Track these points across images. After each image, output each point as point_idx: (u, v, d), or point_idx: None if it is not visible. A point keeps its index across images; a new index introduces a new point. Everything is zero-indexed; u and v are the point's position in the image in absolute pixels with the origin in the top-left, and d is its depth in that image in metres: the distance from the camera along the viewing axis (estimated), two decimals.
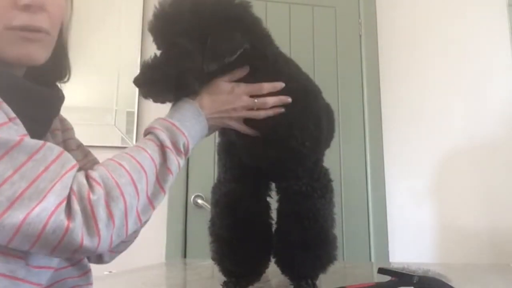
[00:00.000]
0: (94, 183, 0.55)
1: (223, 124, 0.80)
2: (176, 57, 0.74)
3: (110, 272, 1.28)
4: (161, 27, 0.76)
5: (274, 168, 0.88)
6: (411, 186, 2.06)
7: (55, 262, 0.62)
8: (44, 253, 0.53)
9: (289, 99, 0.81)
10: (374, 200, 2.04)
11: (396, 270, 0.76)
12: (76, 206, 0.52)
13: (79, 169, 0.57)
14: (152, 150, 0.64)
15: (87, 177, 0.56)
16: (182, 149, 0.68)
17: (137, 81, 0.76)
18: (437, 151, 2.09)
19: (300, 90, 0.85)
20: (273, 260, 0.92)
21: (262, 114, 0.80)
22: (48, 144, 0.55)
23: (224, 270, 0.93)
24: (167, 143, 0.66)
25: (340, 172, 2.03)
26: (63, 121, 0.80)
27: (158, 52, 0.78)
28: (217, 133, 0.92)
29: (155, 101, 0.77)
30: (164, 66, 0.75)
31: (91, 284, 0.74)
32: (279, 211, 0.90)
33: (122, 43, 2.05)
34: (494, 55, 2.18)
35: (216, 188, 0.94)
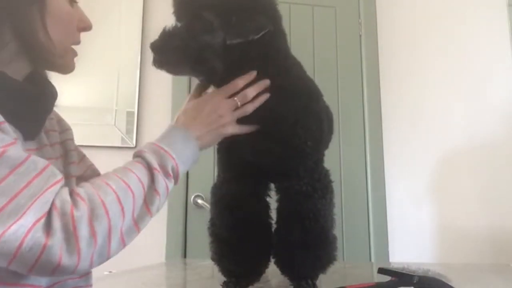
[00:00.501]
0: (78, 199, 0.54)
1: (220, 135, 0.78)
2: (198, 30, 0.74)
3: (110, 272, 1.28)
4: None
5: (276, 166, 0.88)
6: (411, 186, 2.06)
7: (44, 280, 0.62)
8: (22, 271, 0.52)
9: (267, 81, 0.80)
10: (374, 200, 2.04)
11: (396, 270, 0.76)
12: (56, 223, 0.50)
13: (64, 184, 0.56)
14: (140, 171, 0.62)
15: (72, 193, 0.54)
16: (170, 172, 0.66)
17: (155, 46, 0.74)
18: (437, 151, 2.09)
19: (306, 89, 0.86)
20: (272, 260, 0.92)
21: (249, 107, 0.79)
22: (33, 157, 0.53)
23: (224, 270, 0.93)
24: (155, 165, 0.64)
25: (340, 172, 2.03)
26: (60, 121, 0.80)
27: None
28: None
29: (170, 70, 0.75)
30: (186, 37, 0.73)
31: (90, 285, 0.73)
32: (279, 211, 0.90)
33: (122, 43, 2.05)
34: (494, 55, 2.18)
35: (216, 188, 0.93)
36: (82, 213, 0.52)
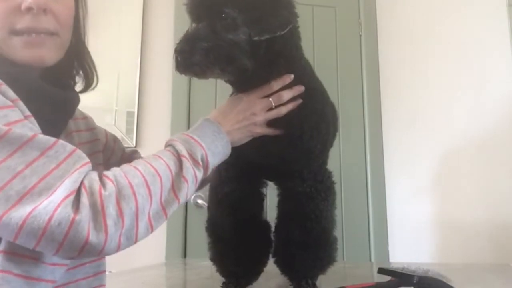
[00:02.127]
0: (106, 180, 0.55)
1: (250, 133, 0.78)
2: (223, 28, 0.72)
3: (110, 272, 1.28)
4: None
5: (282, 168, 0.88)
6: (411, 186, 2.06)
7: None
8: (50, 251, 0.52)
9: (302, 88, 0.80)
10: (374, 200, 2.04)
11: (396, 270, 0.76)
12: (85, 200, 0.52)
13: (92, 168, 0.57)
14: (168, 158, 0.63)
15: (101, 175, 0.56)
16: (200, 161, 0.66)
17: (182, 50, 0.70)
18: (437, 151, 2.09)
19: (321, 90, 0.86)
20: (272, 260, 0.92)
21: (283, 110, 0.79)
22: (61, 141, 0.55)
23: (225, 270, 0.92)
24: (184, 152, 0.65)
25: (340, 172, 2.03)
26: (84, 119, 0.82)
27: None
28: None
29: (198, 74, 0.72)
30: (213, 37, 0.71)
31: (104, 286, 0.74)
32: (281, 211, 0.90)
33: (122, 43, 2.05)
34: (494, 55, 2.18)
35: (217, 187, 0.92)
36: (110, 192, 0.54)
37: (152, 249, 1.83)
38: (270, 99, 0.78)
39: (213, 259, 0.93)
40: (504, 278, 1.28)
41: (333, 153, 0.93)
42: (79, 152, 0.56)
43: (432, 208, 2.05)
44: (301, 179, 0.86)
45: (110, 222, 0.52)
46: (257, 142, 0.81)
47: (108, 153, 0.90)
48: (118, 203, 0.54)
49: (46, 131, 0.62)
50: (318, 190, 0.87)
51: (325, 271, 0.90)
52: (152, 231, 0.59)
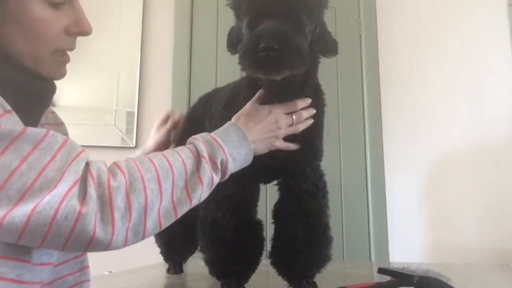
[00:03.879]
0: (118, 171, 0.54)
1: (271, 146, 0.79)
2: (298, 31, 0.72)
3: (110, 272, 1.28)
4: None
5: (287, 167, 0.89)
6: (411, 187, 2.06)
7: (54, 257, 0.62)
8: (57, 246, 0.50)
9: (314, 111, 0.84)
10: (374, 200, 2.04)
11: (396, 270, 0.76)
12: (92, 191, 0.50)
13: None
14: (186, 156, 0.63)
15: (114, 165, 0.55)
16: (219, 165, 0.65)
17: (272, 47, 0.66)
18: (437, 151, 2.09)
19: (322, 93, 0.91)
20: (269, 260, 0.92)
21: (300, 127, 0.82)
22: (52, 132, 0.54)
23: (225, 271, 0.92)
24: (204, 153, 0.64)
25: (340, 172, 2.03)
26: (54, 114, 0.79)
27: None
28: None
29: (274, 72, 0.71)
30: (298, 37, 0.71)
31: (89, 280, 0.73)
32: (281, 209, 0.91)
33: (122, 43, 2.05)
34: (494, 55, 2.18)
35: (217, 188, 0.91)
36: (119, 184, 0.53)
37: (152, 249, 1.82)
38: (294, 116, 0.80)
39: (215, 260, 0.92)
40: (504, 278, 1.28)
41: (333, 153, 0.94)
42: (71, 141, 0.55)
43: (432, 208, 2.05)
44: (303, 176, 0.88)
45: (117, 214, 0.51)
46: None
47: None
48: (127, 195, 0.53)
49: (23, 122, 0.61)
50: (318, 187, 0.90)
51: (322, 269, 0.90)
52: (160, 228, 0.58)
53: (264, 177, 0.93)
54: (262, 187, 0.96)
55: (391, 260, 1.98)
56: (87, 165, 0.54)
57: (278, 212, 0.91)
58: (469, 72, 2.16)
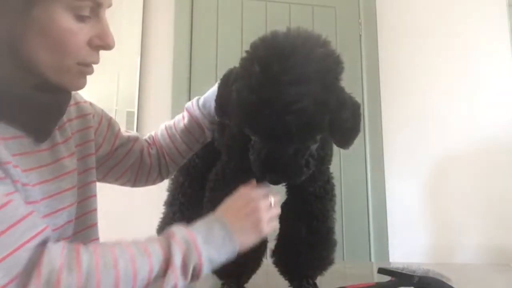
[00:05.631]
0: (75, 267, 0.49)
1: (260, 234, 0.73)
2: (301, 153, 0.74)
3: None
4: (302, 126, 0.70)
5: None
6: (411, 186, 2.06)
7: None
8: None
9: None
10: (374, 200, 2.04)
11: (396, 270, 0.77)
12: None
13: (80, 196, 0.55)
14: (156, 259, 0.57)
15: (75, 253, 0.51)
16: (190, 270, 0.59)
17: (279, 169, 0.72)
18: (437, 151, 2.09)
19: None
20: (271, 260, 0.92)
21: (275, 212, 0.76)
22: (13, 203, 0.50)
23: (227, 271, 0.92)
24: (177, 259, 0.58)
25: (340, 172, 2.03)
26: (79, 106, 0.79)
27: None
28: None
29: (278, 180, 0.77)
30: (297, 160, 0.74)
31: (98, 238, 0.76)
32: (287, 210, 0.90)
33: (122, 43, 2.05)
34: (494, 55, 2.18)
35: (220, 181, 0.89)
36: (70, 285, 0.48)
37: None
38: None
39: None
40: (504, 278, 1.28)
41: (333, 153, 0.93)
42: (32, 218, 0.50)
43: (432, 208, 2.05)
44: (312, 179, 0.86)
45: None
46: None
47: (100, 139, 0.85)
48: None
49: (36, 135, 0.61)
50: (326, 190, 0.89)
51: (324, 271, 0.90)
52: None
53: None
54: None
55: (391, 260, 1.98)
56: (40, 253, 0.49)
57: (284, 212, 0.91)
58: (469, 72, 2.16)
